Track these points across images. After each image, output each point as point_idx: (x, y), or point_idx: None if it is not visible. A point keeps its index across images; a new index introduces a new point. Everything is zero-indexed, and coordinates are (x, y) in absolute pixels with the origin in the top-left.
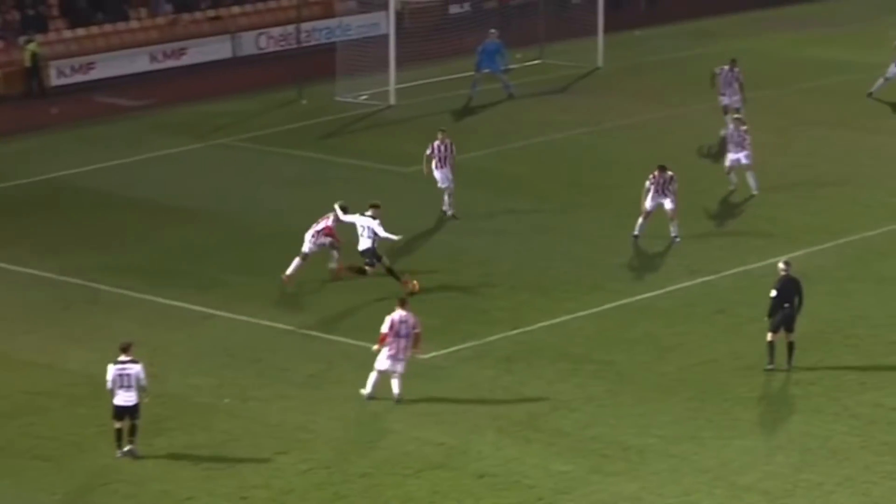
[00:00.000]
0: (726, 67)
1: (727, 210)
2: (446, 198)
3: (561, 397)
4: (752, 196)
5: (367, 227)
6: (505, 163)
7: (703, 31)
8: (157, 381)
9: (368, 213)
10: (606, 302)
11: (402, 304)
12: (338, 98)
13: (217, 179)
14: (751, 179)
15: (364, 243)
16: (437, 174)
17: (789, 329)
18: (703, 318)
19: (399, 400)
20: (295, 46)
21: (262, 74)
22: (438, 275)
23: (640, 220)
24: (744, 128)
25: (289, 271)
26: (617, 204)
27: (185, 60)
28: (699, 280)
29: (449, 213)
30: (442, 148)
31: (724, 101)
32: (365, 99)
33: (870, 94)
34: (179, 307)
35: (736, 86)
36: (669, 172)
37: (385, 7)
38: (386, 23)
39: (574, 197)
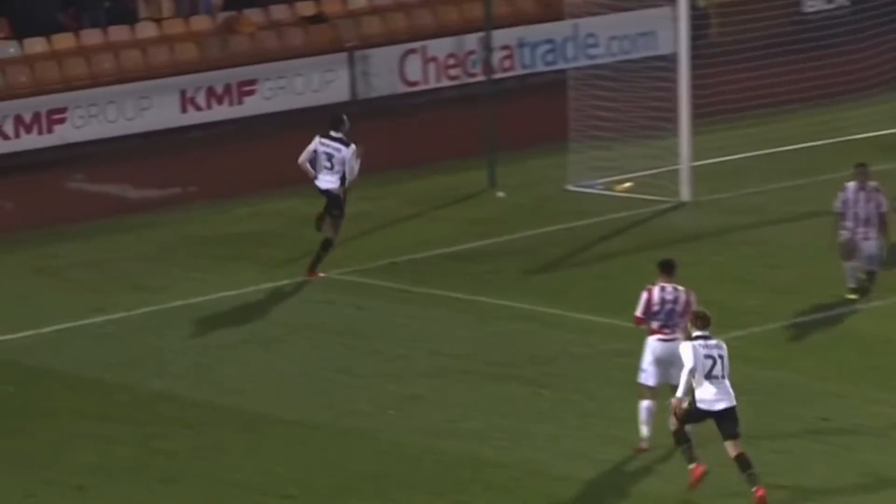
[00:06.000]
0: (851, 185)
1: None
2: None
3: None
4: None
5: None
6: None
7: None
8: None
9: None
10: None
11: None
12: (570, 187)
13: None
14: None
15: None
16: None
17: None
18: None
19: None
20: (480, 80)
21: (412, 136)
22: None
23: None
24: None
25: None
26: None
27: (252, 107)
28: None
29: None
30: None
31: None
32: (629, 187)
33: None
34: None
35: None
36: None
37: None
38: (670, 33)
39: None
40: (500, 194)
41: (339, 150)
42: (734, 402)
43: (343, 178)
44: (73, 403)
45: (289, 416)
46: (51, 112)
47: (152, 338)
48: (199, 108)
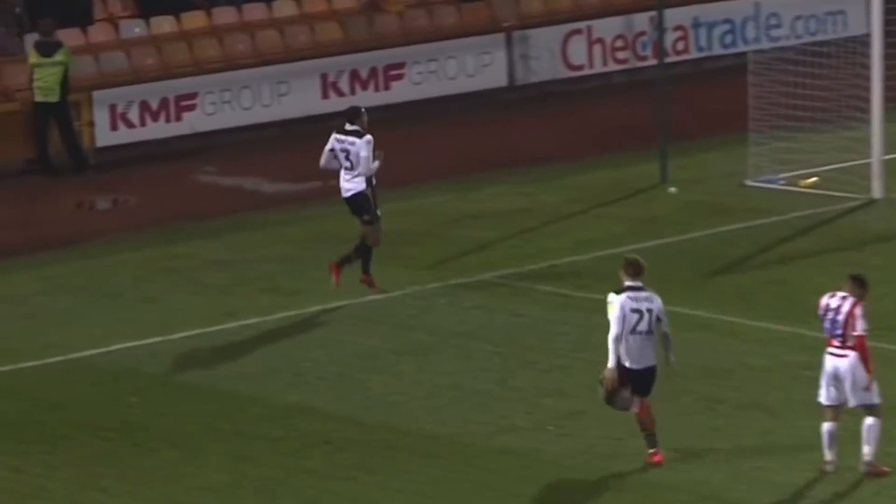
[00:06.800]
0: None
1: None
2: None
3: None
4: None
5: None
6: None
7: None
8: None
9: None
10: None
11: None
12: (749, 182)
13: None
14: None
15: None
16: None
17: None
18: None
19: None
20: (651, 64)
21: (575, 126)
22: None
23: None
24: None
25: None
26: None
27: (400, 92)
28: None
29: None
30: None
31: None
32: (815, 183)
33: None
34: None
35: None
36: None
37: None
38: (862, 13)
39: None
40: (672, 190)
41: (353, 143)
42: (654, 362)
43: (369, 180)
44: (203, 417)
45: (439, 432)
46: (179, 98)
47: (289, 346)
48: (341, 94)
